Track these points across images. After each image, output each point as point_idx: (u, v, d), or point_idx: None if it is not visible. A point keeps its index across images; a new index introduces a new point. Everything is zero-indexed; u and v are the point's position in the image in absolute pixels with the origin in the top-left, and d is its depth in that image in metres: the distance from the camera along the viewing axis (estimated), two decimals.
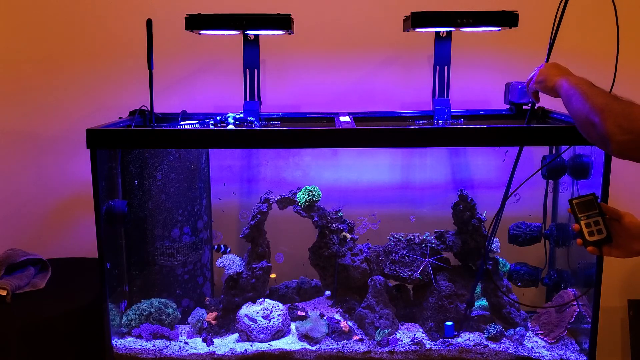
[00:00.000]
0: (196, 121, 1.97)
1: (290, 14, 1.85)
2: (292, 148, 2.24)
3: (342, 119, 1.95)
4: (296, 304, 2.12)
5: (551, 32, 1.57)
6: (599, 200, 1.32)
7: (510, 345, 1.88)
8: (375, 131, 1.72)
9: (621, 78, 1.52)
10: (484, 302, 2.09)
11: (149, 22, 1.82)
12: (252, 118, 1.97)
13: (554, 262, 2.14)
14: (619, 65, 1.52)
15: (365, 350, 1.87)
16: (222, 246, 2.05)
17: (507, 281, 2.03)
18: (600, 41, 2.20)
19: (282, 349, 1.87)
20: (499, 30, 1.91)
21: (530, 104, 1.67)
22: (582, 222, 1.31)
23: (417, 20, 1.84)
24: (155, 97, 1.88)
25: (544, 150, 2.11)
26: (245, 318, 1.92)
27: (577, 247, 1.94)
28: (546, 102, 2.10)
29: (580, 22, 2.20)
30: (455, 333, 1.91)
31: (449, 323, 1.91)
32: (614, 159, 1.69)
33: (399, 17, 2.00)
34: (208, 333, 1.95)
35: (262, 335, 1.90)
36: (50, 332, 1.84)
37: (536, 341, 1.93)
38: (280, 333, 1.94)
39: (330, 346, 1.89)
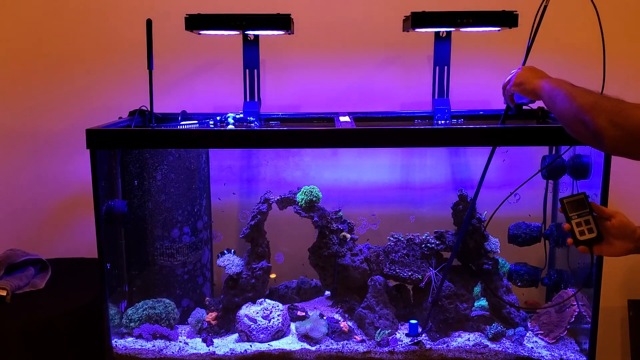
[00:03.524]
0: (196, 121, 1.97)
1: (290, 14, 1.85)
2: (292, 148, 2.24)
3: (342, 119, 1.95)
4: (296, 304, 2.12)
5: (529, 37, 1.58)
6: (589, 200, 1.33)
7: (510, 345, 1.88)
8: (375, 131, 1.72)
9: (608, 76, 1.54)
10: (483, 302, 2.09)
11: (149, 22, 1.82)
12: (252, 118, 1.97)
13: (554, 262, 2.14)
14: (606, 63, 1.54)
15: (365, 350, 1.87)
16: (225, 251, 2.05)
17: (507, 281, 2.04)
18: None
19: (282, 349, 1.87)
20: (499, 30, 1.91)
21: (510, 108, 1.69)
22: (573, 222, 1.31)
23: (417, 20, 1.84)
24: (155, 97, 1.88)
25: (543, 150, 2.11)
26: (245, 318, 1.92)
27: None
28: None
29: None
30: (419, 332, 1.91)
31: (414, 321, 1.91)
32: (614, 159, 1.69)
33: (399, 17, 2.00)
34: (208, 333, 1.95)
35: (262, 336, 1.90)
36: (50, 332, 1.84)
37: (536, 341, 1.93)
38: (280, 333, 1.94)
39: (330, 346, 1.89)
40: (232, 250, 2.04)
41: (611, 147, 1.12)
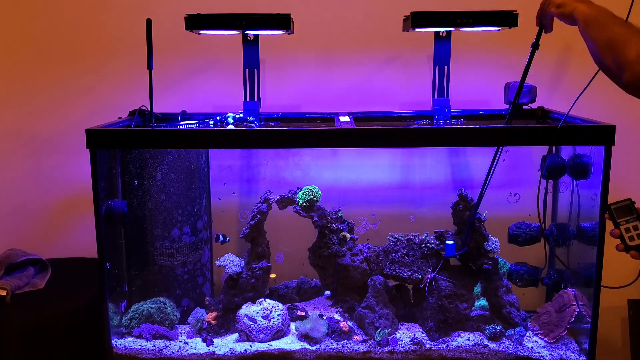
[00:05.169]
0: (196, 121, 1.97)
1: (290, 14, 1.85)
2: (292, 148, 2.24)
3: (342, 119, 1.95)
4: (296, 304, 2.12)
5: None
6: (635, 205, 1.31)
7: (510, 345, 1.88)
8: (375, 131, 1.72)
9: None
10: (483, 302, 2.09)
11: (149, 22, 1.82)
12: (251, 118, 1.97)
13: (554, 262, 2.14)
14: None
15: (365, 350, 1.87)
16: (220, 236, 2.04)
17: (507, 281, 2.03)
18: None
19: (282, 349, 1.87)
20: (499, 30, 1.91)
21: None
22: (622, 227, 1.29)
23: (417, 20, 1.85)
24: (155, 97, 1.88)
25: (543, 150, 2.11)
26: (245, 318, 1.92)
27: (577, 247, 1.95)
28: (545, 102, 2.10)
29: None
30: (455, 253, 1.93)
31: (450, 242, 1.93)
32: (613, 159, 1.69)
33: (399, 17, 2.00)
34: (208, 333, 1.95)
35: (261, 335, 1.90)
36: (50, 332, 1.84)
37: (536, 341, 1.93)
38: (280, 333, 1.94)
39: (330, 346, 1.89)
40: (227, 238, 2.03)
41: (629, 83, 1.10)
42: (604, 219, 1.69)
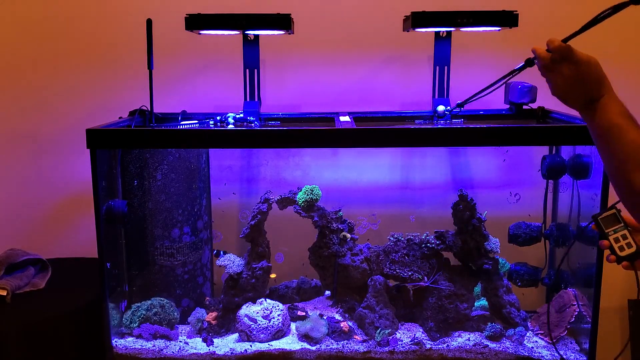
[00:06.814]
0: (196, 121, 1.97)
1: (290, 14, 1.85)
2: (292, 148, 2.24)
3: (342, 119, 1.95)
4: (296, 304, 2.12)
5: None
6: (621, 213, 1.28)
7: (510, 345, 1.88)
8: (375, 131, 1.72)
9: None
10: (484, 302, 2.09)
11: (149, 22, 1.82)
12: (252, 118, 1.97)
13: (554, 262, 2.14)
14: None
15: (365, 350, 1.87)
16: (221, 252, 2.05)
17: (507, 281, 2.04)
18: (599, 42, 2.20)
19: (282, 349, 1.87)
20: (499, 30, 1.91)
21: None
22: (611, 238, 1.25)
23: (417, 20, 1.85)
24: (155, 97, 1.88)
25: (543, 150, 2.11)
26: (245, 318, 1.92)
27: (577, 247, 1.95)
28: (546, 102, 2.10)
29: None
30: (448, 109, 1.87)
31: (442, 107, 1.87)
32: None
33: (399, 17, 2.00)
34: (208, 333, 1.95)
35: (262, 335, 1.90)
36: (50, 332, 1.84)
37: (536, 341, 1.93)
38: (280, 333, 1.94)
39: (330, 346, 1.89)
40: (228, 255, 2.04)
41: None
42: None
